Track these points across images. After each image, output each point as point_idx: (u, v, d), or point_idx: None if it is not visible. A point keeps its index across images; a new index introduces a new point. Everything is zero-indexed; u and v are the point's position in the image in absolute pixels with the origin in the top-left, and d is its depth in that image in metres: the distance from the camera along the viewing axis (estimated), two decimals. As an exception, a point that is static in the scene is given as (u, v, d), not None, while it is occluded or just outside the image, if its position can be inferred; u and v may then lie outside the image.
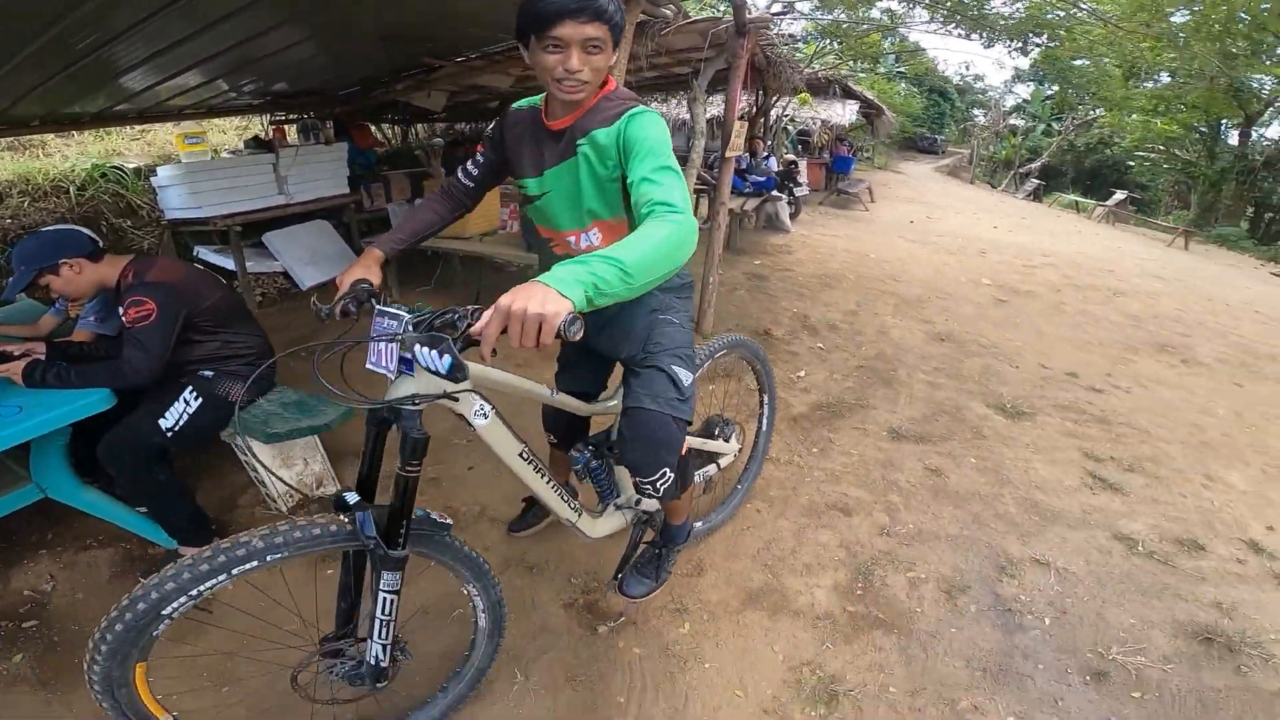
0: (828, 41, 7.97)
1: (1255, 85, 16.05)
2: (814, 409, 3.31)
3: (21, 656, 1.77)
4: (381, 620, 1.28)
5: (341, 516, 1.21)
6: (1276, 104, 17.27)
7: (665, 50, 4.36)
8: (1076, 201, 20.20)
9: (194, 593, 1.08)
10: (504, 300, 0.88)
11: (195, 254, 4.71)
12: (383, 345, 1.17)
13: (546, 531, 2.28)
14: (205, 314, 1.99)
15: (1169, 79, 17.85)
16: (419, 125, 8.09)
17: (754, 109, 7.81)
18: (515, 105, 1.47)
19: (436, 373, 1.09)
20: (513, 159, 1.47)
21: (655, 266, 0.98)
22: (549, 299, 0.86)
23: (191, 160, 4.14)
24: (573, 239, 1.46)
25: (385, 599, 1.26)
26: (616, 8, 1.20)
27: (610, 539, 1.87)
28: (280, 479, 1.94)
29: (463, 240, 4.11)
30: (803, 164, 10.53)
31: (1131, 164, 23.56)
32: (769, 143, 8.87)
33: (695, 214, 1.16)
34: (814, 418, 3.22)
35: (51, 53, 2.38)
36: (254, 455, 2.08)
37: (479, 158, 1.54)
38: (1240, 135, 18.15)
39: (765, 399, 2.49)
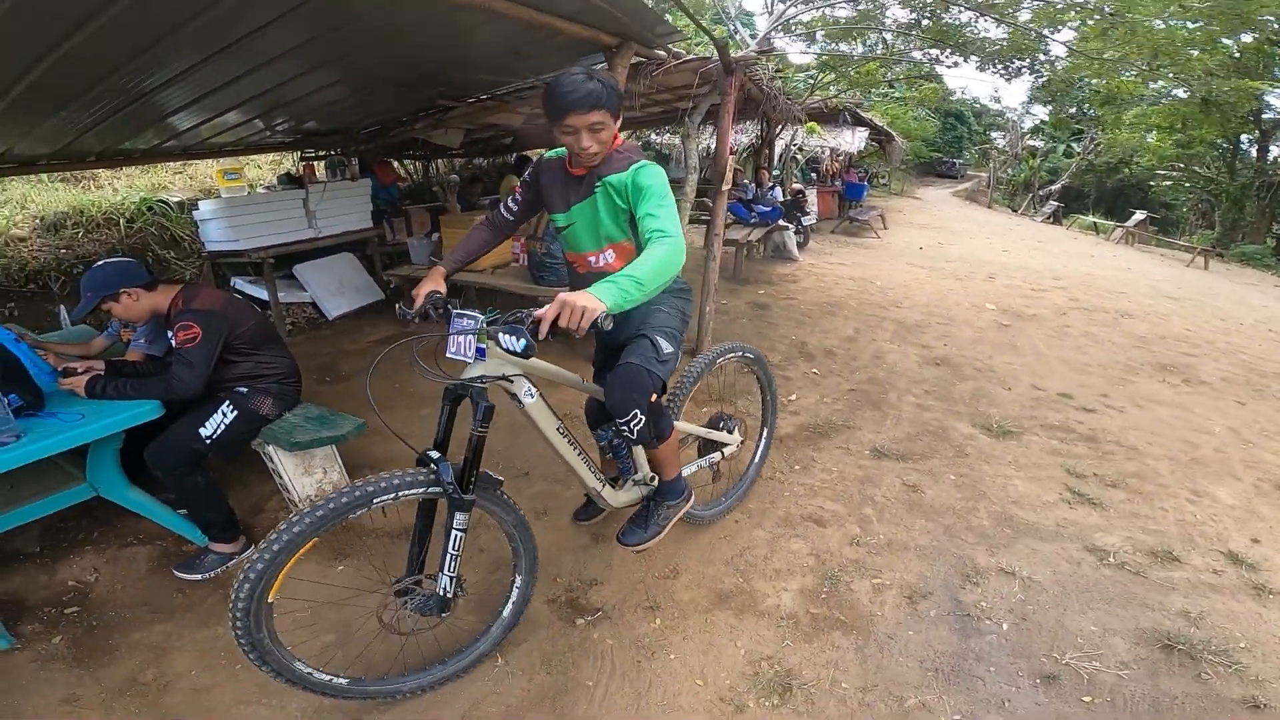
0: (828, 72, 8.21)
1: (1272, 100, 15.64)
2: (800, 430, 3.42)
3: (60, 638, 2.00)
4: (452, 554, 1.61)
5: (426, 468, 1.56)
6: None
7: (664, 87, 4.65)
8: (1096, 223, 19.91)
9: (394, 495, 1.46)
10: (563, 296, 1.31)
11: (232, 284, 5.03)
12: (462, 338, 1.53)
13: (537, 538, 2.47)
14: (242, 337, 2.27)
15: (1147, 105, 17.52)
16: (439, 161, 8.43)
17: (759, 140, 8.06)
18: (545, 155, 1.89)
19: (513, 351, 1.43)
20: (545, 198, 1.87)
21: (660, 276, 1.44)
22: (590, 300, 1.31)
23: (231, 195, 4.48)
24: (593, 259, 1.85)
25: (456, 536, 1.60)
26: (609, 91, 1.57)
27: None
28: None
29: (477, 273, 4.40)
30: (812, 193, 10.60)
31: (1152, 183, 23.16)
32: (776, 173, 9.09)
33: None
34: (799, 438, 3.34)
35: (110, 94, 2.72)
36: (280, 463, 2.33)
37: (517, 196, 1.92)
38: (1258, 151, 17.65)
39: (764, 431, 2.77)
